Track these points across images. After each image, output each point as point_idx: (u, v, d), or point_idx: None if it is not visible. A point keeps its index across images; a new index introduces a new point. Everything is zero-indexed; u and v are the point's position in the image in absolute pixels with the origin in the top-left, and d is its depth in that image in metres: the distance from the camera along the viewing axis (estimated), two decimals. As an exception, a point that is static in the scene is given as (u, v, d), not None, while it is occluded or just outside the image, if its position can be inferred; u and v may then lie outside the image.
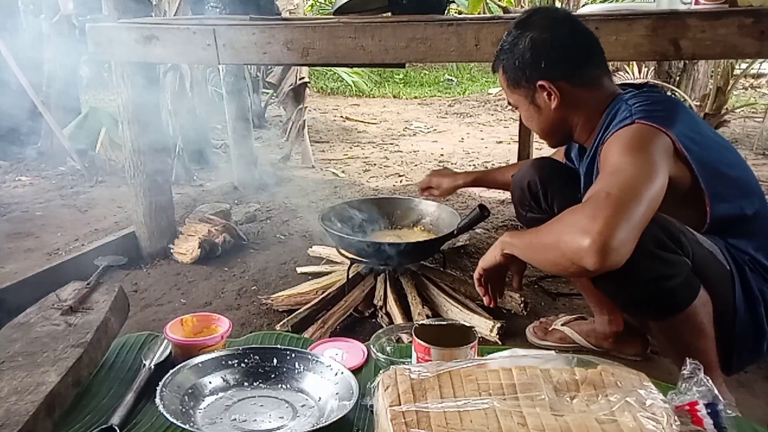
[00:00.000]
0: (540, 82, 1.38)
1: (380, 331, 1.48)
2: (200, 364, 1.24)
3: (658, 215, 1.19)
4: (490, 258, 1.34)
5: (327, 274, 2.27)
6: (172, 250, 2.50)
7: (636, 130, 1.26)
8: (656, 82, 4.14)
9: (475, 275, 1.39)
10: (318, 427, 1.07)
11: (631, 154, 1.22)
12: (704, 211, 1.32)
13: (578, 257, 1.09)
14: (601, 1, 4.13)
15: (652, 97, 1.36)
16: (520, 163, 2.05)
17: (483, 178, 2.04)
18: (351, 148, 4.73)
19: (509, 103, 1.52)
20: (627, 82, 1.52)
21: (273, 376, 1.26)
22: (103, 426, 1.11)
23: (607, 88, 1.42)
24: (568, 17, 1.46)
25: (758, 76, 6.25)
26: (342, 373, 1.22)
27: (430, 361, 1.12)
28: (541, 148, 4.41)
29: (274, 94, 4.51)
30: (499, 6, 5.35)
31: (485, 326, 1.83)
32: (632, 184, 1.15)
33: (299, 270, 2.39)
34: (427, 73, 7.88)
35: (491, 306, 1.45)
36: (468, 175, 2.04)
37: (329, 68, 6.69)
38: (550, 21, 1.41)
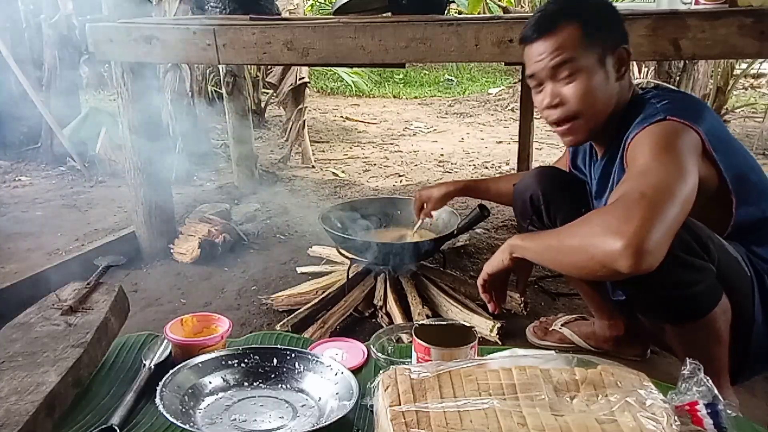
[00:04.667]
0: (625, 45, 1.30)
1: (380, 331, 1.47)
2: (200, 364, 1.23)
3: (688, 219, 1.15)
4: (496, 262, 1.29)
5: (327, 274, 2.27)
6: (172, 250, 2.50)
7: (667, 127, 1.22)
8: (656, 81, 4.14)
9: (479, 281, 1.34)
10: (318, 427, 1.07)
11: (662, 153, 1.17)
12: (729, 214, 1.29)
13: (611, 260, 1.04)
14: (601, 1, 4.13)
15: (676, 95, 1.34)
16: (514, 174, 1.98)
17: (474, 187, 1.94)
18: (351, 148, 4.73)
19: (557, 67, 1.29)
20: (641, 84, 1.47)
21: (273, 376, 1.26)
22: (103, 426, 1.11)
23: (631, 84, 1.38)
24: None
25: (758, 76, 6.24)
26: (342, 373, 1.22)
27: (430, 361, 1.12)
28: (541, 148, 4.41)
29: (274, 94, 4.50)
30: (499, 6, 5.34)
31: (485, 326, 1.83)
32: (666, 184, 1.10)
33: (299, 270, 2.39)
34: (427, 73, 7.88)
35: (495, 312, 1.42)
36: (458, 183, 1.97)
37: (329, 68, 6.68)
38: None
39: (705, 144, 1.23)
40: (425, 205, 1.97)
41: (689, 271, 1.20)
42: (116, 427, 1.10)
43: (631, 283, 1.22)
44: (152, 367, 1.28)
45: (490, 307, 1.37)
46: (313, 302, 1.98)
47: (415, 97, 6.89)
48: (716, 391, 0.92)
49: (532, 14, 1.42)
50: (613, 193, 1.18)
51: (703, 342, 1.28)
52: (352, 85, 6.49)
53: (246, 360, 1.27)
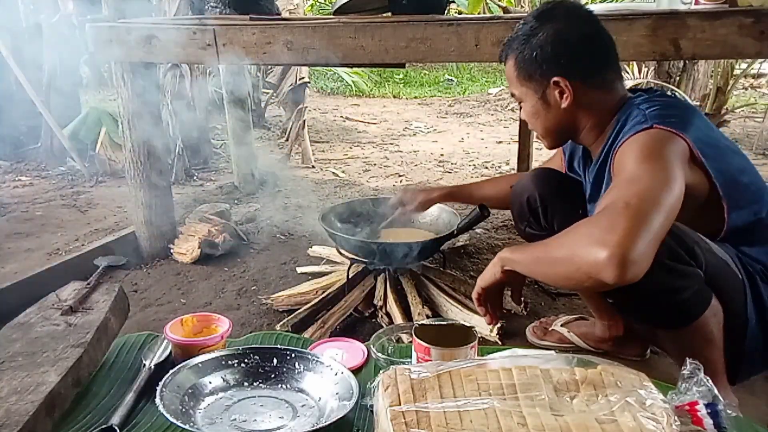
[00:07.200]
0: (555, 78, 1.32)
1: (380, 331, 1.48)
2: (200, 364, 1.24)
3: (673, 224, 1.15)
4: (489, 276, 1.29)
5: (327, 274, 2.27)
6: (172, 250, 2.50)
7: (653, 135, 1.22)
8: (657, 82, 4.14)
9: (474, 295, 1.34)
10: (318, 427, 1.07)
11: (648, 161, 1.17)
12: (722, 219, 1.29)
13: (596, 271, 1.04)
14: (600, 1, 4.12)
15: (665, 101, 1.33)
16: (499, 177, 2.00)
17: (459, 193, 1.97)
18: (351, 148, 4.73)
19: (512, 95, 1.45)
20: (633, 86, 1.47)
21: (273, 376, 1.26)
22: (103, 426, 1.11)
23: (618, 92, 1.38)
24: (593, 15, 1.39)
25: (758, 76, 6.24)
26: (342, 373, 1.22)
27: (430, 361, 1.12)
28: (541, 148, 4.41)
29: (274, 94, 4.51)
30: (499, 6, 5.34)
31: (485, 326, 1.83)
32: (651, 193, 1.10)
33: (299, 270, 2.39)
34: (427, 73, 7.88)
35: (493, 325, 1.41)
36: (442, 189, 2.00)
37: (329, 68, 6.68)
38: (576, 17, 1.35)
39: (693, 151, 1.23)
40: (405, 205, 2.01)
41: (676, 278, 1.19)
42: (116, 427, 1.10)
43: (617, 291, 1.21)
44: (152, 367, 1.28)
45: (486, 320, 1.37)
46: (313, 302, 1.98)
47: (415, 97, 6.89)
48: (716, 391, 0.92)
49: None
50: (599, 202, 1.18)
51: (696, 345, 1.27)
52: (352, 85, 6.49)
53: (246, 360, 1.27)
